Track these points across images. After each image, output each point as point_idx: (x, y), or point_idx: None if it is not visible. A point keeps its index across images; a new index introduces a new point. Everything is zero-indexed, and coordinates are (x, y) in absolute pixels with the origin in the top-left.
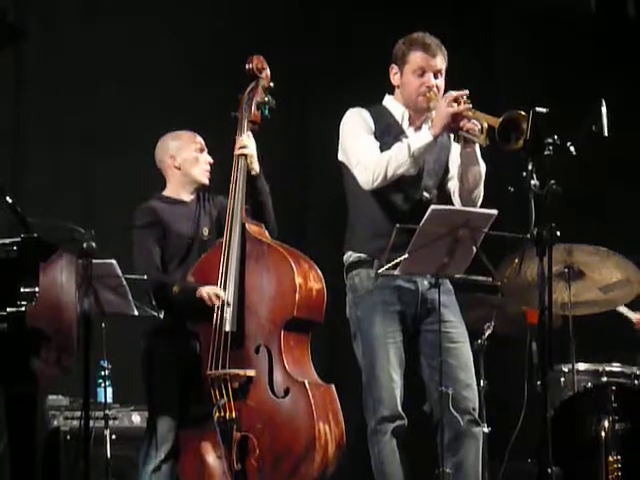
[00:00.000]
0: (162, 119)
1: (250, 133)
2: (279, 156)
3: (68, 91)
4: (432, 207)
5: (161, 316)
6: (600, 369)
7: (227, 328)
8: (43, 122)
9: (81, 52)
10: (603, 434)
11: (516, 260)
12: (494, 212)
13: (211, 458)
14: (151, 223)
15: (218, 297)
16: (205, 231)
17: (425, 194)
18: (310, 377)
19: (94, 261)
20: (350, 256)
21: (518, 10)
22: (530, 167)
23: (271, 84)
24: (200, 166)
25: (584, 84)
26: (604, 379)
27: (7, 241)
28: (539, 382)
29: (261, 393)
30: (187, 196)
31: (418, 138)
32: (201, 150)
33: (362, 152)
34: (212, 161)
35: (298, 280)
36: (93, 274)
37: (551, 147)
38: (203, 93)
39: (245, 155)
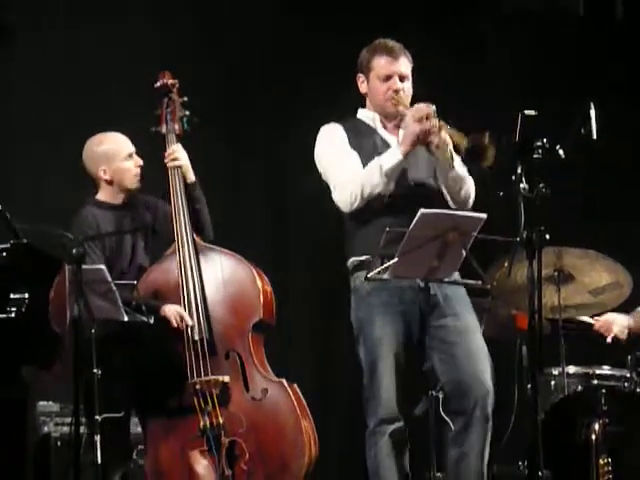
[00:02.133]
0: (151, 121)
1: (179, 144)
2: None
3: (53, 93)
4: (421, 211)
5: (151, 321)
6: (590, 372)
7: (198, 336)
8: (31, 127)
9: (70, 48)
10: (593, 437)
11: (506, 263)
12: (483, 216)
13: (200, 467)
14: (90, 233)
15: (182, 319)
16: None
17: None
18: (276, 377)
19: (83, 267)
20: (353, 260)
21: (505, 15)
22: (519, 170)
23: (184, 98)
24: (131, 174)
25: (572, 87)
26: (594, 382)
27: None
28: (529, 385)
29: (239, 397)
30: (120, 200)
31: (389, 157)
32: (130, 156)
33: (337, 175)
34: (142, 163)
35: (259, 283)
36: (82, 280)
37: (540, 150)
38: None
39: (179, 166)
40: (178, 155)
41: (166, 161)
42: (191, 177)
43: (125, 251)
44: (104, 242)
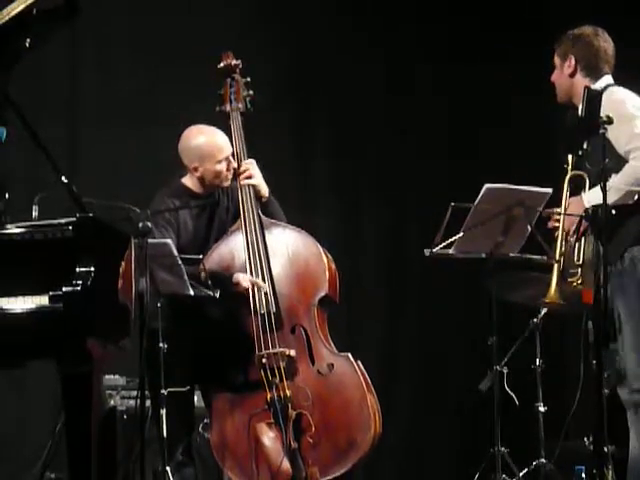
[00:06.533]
0: (216, 102)
1: (253, 160)
2: None
3: (123, 71)
4: (486, 186)
5: (217, 295)
6: None
7: (265, 309)
8: (99, 102)
9: (137, 32)
10: None
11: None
12: (549, 191)
13: (267, 439)
14: (169, 219)
15: (254, 285)
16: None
17: None
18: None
19: (149, 241)
20: None
21: None
22: (585, 146)
23: (248, 78)
24: (222, 176)
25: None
26: None
27: (63, 221)
28: (594, 361)
29: (305, 371)
30: (203, 190)
31: None
32: (226, 161)
33: None
34: (235, 166)
35: (325, 259)
36: (148, 254)
37: (605, 125)
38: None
39: (253, 185)
40: (252, 172)
41: (240, 179)
42: (265, 193)
43: (199, 236)
44: (179, 229)
